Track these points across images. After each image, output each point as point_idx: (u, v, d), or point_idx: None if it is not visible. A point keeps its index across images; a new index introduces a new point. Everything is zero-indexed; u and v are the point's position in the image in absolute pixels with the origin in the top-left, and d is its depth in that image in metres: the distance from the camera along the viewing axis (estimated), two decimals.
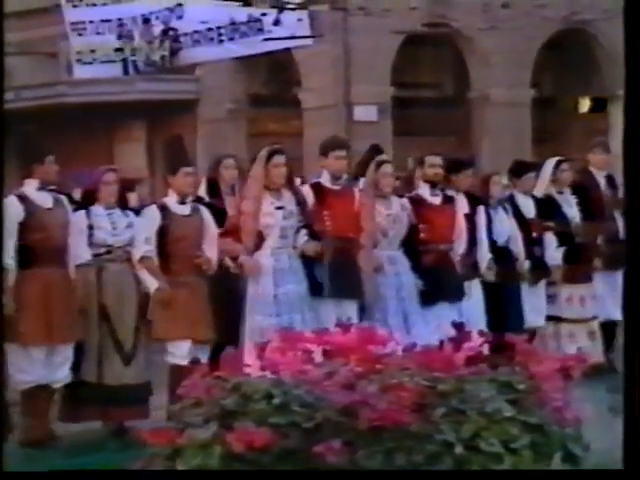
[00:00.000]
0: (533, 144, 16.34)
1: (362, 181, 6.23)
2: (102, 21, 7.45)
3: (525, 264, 6.85)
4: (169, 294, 5.65)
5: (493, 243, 6.72)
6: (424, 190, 6.44)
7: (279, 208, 5.70)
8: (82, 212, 5.69)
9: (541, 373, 2.85)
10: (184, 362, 5.69)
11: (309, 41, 8.02)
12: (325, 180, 6.06)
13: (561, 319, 7.08)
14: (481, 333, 3.31)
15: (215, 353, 5.82)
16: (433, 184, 6.43)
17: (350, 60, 16.05)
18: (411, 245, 6.31)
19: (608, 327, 7.20)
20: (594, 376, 7.00)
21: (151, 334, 5.71)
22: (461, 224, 6.50)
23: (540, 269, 6.95)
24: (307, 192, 5.93)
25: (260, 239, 5.69)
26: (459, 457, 2.64)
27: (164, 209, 5.82)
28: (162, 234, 5.73)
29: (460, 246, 6.49)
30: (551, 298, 7.06)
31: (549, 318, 7.05)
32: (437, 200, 6.44)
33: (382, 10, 14.90)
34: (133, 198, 8.32)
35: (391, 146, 13.19)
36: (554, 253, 7.02)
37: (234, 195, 6.23)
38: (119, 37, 7.57)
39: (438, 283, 6.24)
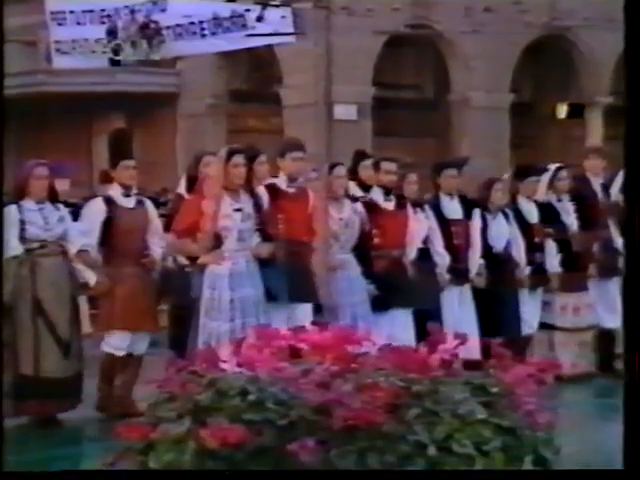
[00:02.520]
0: (511, 148, 16.44)
1: (317, 185, 6.17)
2: (83, 11, 7.41)
3: (526, 270, 6.81)
4: (108, 287, 5.72)
5: (489, 249, 6.65)
6: (377, 195, 6.40)
7: (237, 210, 5.58)
8: (13, 207, 5.67)
9: (514, 377, 2.87)
10: (120, 353, 5.82)
11: (292, 39, 8.01)
12: (281, 182, 5.99)
13: (554, 327, 7.09)
14: (456, 335, 3.32)
15: (178, 345, 5.83)
16: (387, 190, 6.39)
17: (332, 59, 15.97)
18: (363, 250, 6.24)
19: (603, 336, 7.22)
20: (584, 383, 7.07)
21: (89, 326, 5.77)
22: (413, 230, 6.46)
23: (540, 276, 6.93)
24: (262, 193, 5.84)
25: (217, 241, 5.55)
26: (432, 458, 2.66)
27: (109, 201, 5.87)
28: (107, 226, 5.80)
29: (412, 251, 6.46)
30: (546, 306, 7.07)
31: (543, 325, 7.05)
32: (390, 205, 6.40)
33: (365, 10, 14.93)
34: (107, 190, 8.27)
35: (370, 146, 13.22)
36: (554, 260, 7.03)
37: None
38: (100, 28, 7.53)
39: (391, 289, 6.19)
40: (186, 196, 6.25)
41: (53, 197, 5.83)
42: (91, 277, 5.75)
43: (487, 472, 2.64)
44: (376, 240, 6.29)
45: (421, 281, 6.44)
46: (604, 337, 7.22)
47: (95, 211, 5.85)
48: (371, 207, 6.34)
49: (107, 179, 9.13)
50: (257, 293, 5.54)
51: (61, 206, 5.87)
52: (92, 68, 8.81)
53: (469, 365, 3.09)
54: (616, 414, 6.60)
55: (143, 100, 16.75)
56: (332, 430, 2.74)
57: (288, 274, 5.67)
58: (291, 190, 5.98)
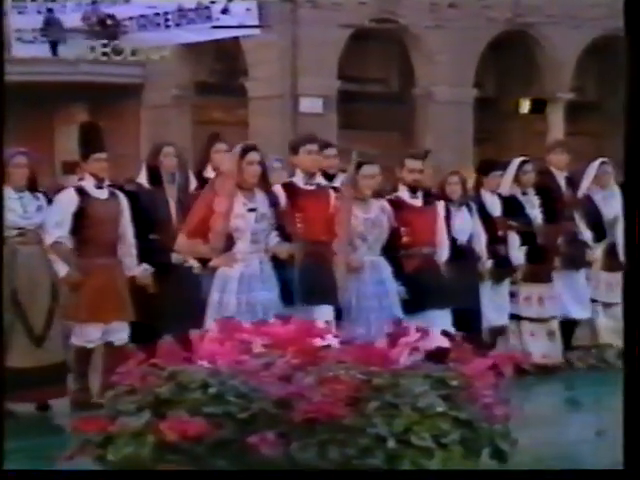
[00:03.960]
0: (475, 143, 16.55)
1: (339, 181, 5.93)
2: (45, 0, 7.34)
3: (487, 263, 6.82)
4: (78, 280, 5.69)
5: (453, 241, 6.55)
6: (403, 192, 6.15)
7: (251, 210, 5.24)
8: None
9: (473, 370, 2.90)
10: (90, 345, 5.77)
11: (257, 31, 8.00)
12: (298, 179, 5.67)
13: (521, 318, 7.17)
14: (418, 329, 3.34)
15: (140, 338, 5.77)
16: (412, 188, 6.12)
17: (297, 52, 16.04)
18: (392, 250, 5.91)
19: (567, 326, 7.30)
20: (552, 375, 7.15)
21: (65, 316, 5.74)
22: (443, 227, 6.23)
23: (504, 268, 6.96)
24: (279, 192, 5.52)
25: (230, 242, 5.20)
26: (391, 451, 2.67)
27: (82, 192, 5.84)
28: (79, 217, 5.76)
29: (444, 250, 6.24)
30: (511, 297, 7.12)
31: (511, 317, 7.08)
32: (417, 202, 6.14)
33: (331, 3, 14.92)
34: (74, 180, 8.23)
35: (336, 139, 13.23)
36: (517, 252, 7.09)
37: (173, 184, 6.18)
38: (62, 17, 7.47)
39: (424, 289, 5.88)
40: (147, 186, 6.21)
41: (32, 186, 5.78)
42: (62, 269, 5.71)
43: (488, 472, 2.66)
44: (405, 239, 6.00)
45: (456, 280, 6.21)
46: (565, 328, 7.32)
47: (66, 201, 5.79)
48: (397, 205, 6.04)
49: (70, 170, 9.06)
50: (271, 296, 5.22)
51: (40, 195, 5.83)
52: (54, 58, 8.72)
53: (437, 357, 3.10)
54: (574, 406, 6.68)
55: (107, 91, 16.59)
56: (293, 423, 2.74)
57: (307, 276, 5.37)
58: (310, 187, 5.67)
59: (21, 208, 5.66)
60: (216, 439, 2.69)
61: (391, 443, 2.66)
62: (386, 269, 5.86)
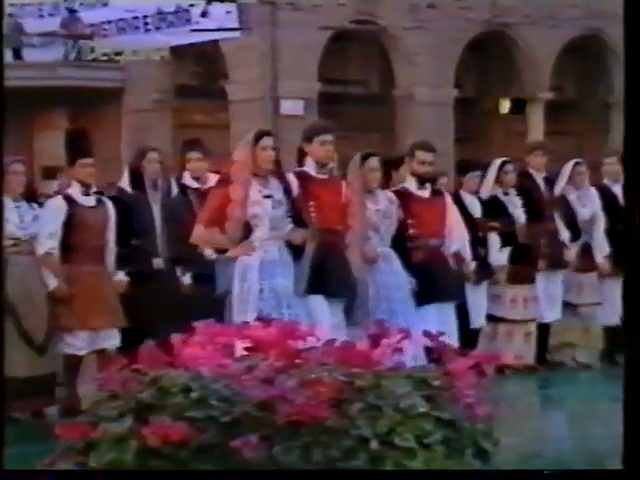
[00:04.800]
0: (455, 143, 16.61)
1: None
2: (23, 5, 7.32)
3: (471, 264, 6.83)
4: (66, 292, 5.69)
5: None
6: (411, 184, 6.10)
7: (267, 197, 5.20)
8: None
9: (455, 370, 2.91)
10: (81, 353, 5.77)
11: (237, 34, 8.01)
12: (310, 168, 5.56)
13: (502, 319, 7.18)
14: (400, 329, 3.35)
15: (131, 343, 5.77)
16: (421, 179, 6.07)
17: (278, 54, 16.05)
18: (400, 242, 5.90)
19: (542, 328, 7.32)
20: (527, 375, 7.20)
21: (55, 325, 5.71)
22: (452, 218, 6.20)
23: (484, 269, 6.99)
24: (292, 181, 5.44)
25: (247, 229, 5.17)
26: (374, 452, 2.68)
27: (69, 200, 5.81)
28: (67, 225, 5.74)
29: (452, 242, 6.21)
30: (495, 299, 7.13)
31: (490, 318, 7.11)
32: (425, 193, 6.09)
33: (310, 6, 14.94)
34: (54, 186, 8.20)
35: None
36: (497, 254, 7.10)
37: (157, 189, 6.17)
38: (40, 22, 7.45)
39: (431, 281, 5.85)
40: (129, 190, 6.20)
41: (29, 195, 5.76)
42: (52, 281, 5.69)
43: (488, 472, 2.66)
44: (412, 230, 5.96)
45: (459, 274, 6.23)
46: (541, 329, 7.36)
47: (56, 210, 5.76)
48: (405, 196, 6.02)
49: (50, 175, 9.02)
50: (290, 283, 5.18)
51: (36, 205, 5.81)
52: (33, 62, 8.69)
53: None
54: (554, 404, 6.73)
55: (87, 95, 16.53)
56: (276, 426, 2.74)
57: (321, 265, 5.29)
58: (322, 176, 5.56)
59: (18, 218, 5.62)
60: (199, 443, 2.68)
61: (374, 444, 2.67)
62: (396, 260, 5.86)
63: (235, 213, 5.11)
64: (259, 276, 5.12)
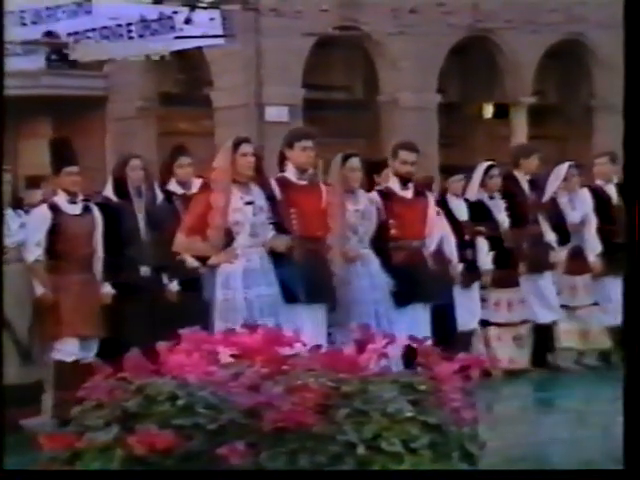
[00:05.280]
0: (440, 148, 16.65)
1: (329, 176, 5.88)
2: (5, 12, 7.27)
3: (458, 267, 6.86)
4: (52, 300, 5.69)
5: None
6: (394, 184, 6.09)
7: (248, 203, 5.18)
8: None
9: (441, 374, 2.91)
10: (70, 359, 5.75)
11: (221, 41, 7.99)
12: (291, 174, 5.58)
13: (490, 323, 7.21)
14: (385, 334, 3.35)
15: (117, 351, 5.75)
16: (404, 180, 6.07)
17: (262, 61, 16.06)
18: (380, 242, 5.86)
19: (538, 330, 7.34)
20: (521, 378, 7.21)
21: (43, 333, 5.70)
22: (433, 219, 6.19)
23: (472, 272, 7.01)
24: (273, 185, 5.45)
25: (228, 237, 5.16)
26: (361, 457, 2.68)
27: (54, 208, 5.81)
28: (53, 233, 5.75)
29: (432, 242, 6.20)
30: (481, 302, 7.15)
31: (480, 322, 7.16)
32: (408, 194, 6.08)
33: (294, 12, 14.95)
34: (38, 195, 8.18)
35: None
36: (485, 257, 7.13)
37: (141, 197, 6.15)
38: (23, 30, 7.41)
39: (410, 282, 5.83)
40: (113, 199, 6.18)
41: (15, 203, 5.79)
42: (38, 289, 5.70)
43: (487, 472, 2.66)
44: (394, 231, 5.93)
45: (438, 275, 6.21)
46: (539, 332, 7.37)
47: (41, 218, 5.76)
48: (387, 196, 6.00)
49: (34, 184, 8.98)
50: (273, 291, 5.17)
51: (22, 212, 5.84)
52: (15, 70, 8.66)
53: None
54: (549, 407, 6.74)
55: (70, 103, 16.49)
56: (262, 432, 2.74)
57: (304, 272, 5.28)
58: (302, 182, 5.58)
59: (4, 226, 5.61)
60: (185, 451, 2.68)
61: (361, 449, 2.67)
62: (374, 262, 5.84)
63: (216, 220, 5.11)
64: (243, 284, 5.11)
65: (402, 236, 5.99)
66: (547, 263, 7.41)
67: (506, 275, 7.21)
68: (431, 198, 6.33)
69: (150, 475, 2.66)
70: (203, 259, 5.51)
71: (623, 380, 2.88)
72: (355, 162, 5.85)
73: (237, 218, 5.17)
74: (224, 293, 5.14)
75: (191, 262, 5.86)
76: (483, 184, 7.25)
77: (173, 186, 6.34)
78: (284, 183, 5.55)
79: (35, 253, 5.69)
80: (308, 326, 5.12)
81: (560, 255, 7.46)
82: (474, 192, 7.21)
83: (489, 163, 7.42)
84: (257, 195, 5.25)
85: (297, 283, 5.27)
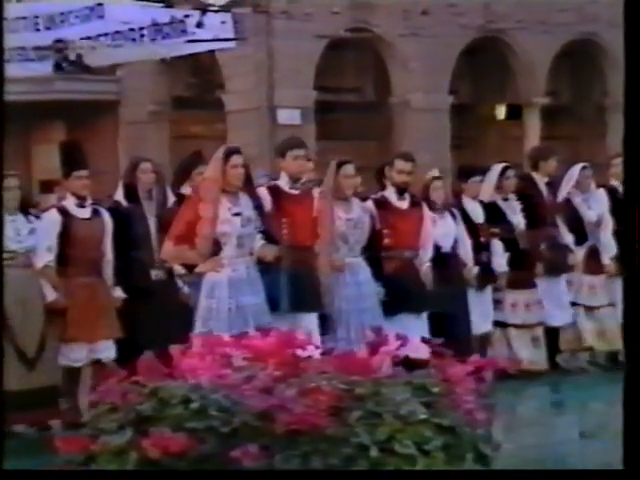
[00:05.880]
0: (452, 149, 16.62)
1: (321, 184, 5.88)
2: (17, 18, 7.31)
3: (473, 270, 6.83)
4: (63, 305, 5.71)
5: (437, 248, 6.52)
6: (390, 193, 6.10)
7: (237, 214, 5.19)
8: None
9: (454, 376, 2.91)
10: (78, 364, 5.78)
11: (232, 44, 8.00)
12: (283, 183, 5.63)
13: (507, 324, 7.18)
14: (398, 336, 3.35)
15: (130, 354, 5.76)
16: (400, 189, 6.09)
17: (273, 63, 16.07)
18: (373, 251, 5.86)
19: (551, 331, 7.32)
20: (538, 379, 7.21)
21: (56, 338, 5.72)
22: (428, 230, 6.18)
23: (487, 275, 6.99)
24: (264, 195, 5.49)
25: (216, 247, 5.17)
26: (374, 459, 2.68)
27: (64, 212, 5.83)
28: (62, 237, 5.77)
29: (426, 254, 6.19)
30: (497, 304, 7.12)
31: (496, 324, 7.10)
32: (404, 204, 6.10)
33: (305, 14, 14.97)
34: (52, 199, 8.21)
35: (314, 150, 13.25)
36: (501, 259, 7.09)
37: (152, 200, 6.17)
38: (36, 35, 7.45)
39: (401, 293, 5.86)
40: (124, 203, 6.20)
41: (25, 208, 5.78)
42: (50, 294, 5.71)
43: (492, 472, 2.66)
44: (387, 240, 5.95)
45: (441, 286, 6.18)
46: (550, 334, 7.35)
47: (51, 223, 5.78)
48: (383, 205, 6.01)
49: (48, 189, 9.02)
50: (258, 301, 5.19)
51: (33, 218, 5.84)
52: (29, 76, 8.70)
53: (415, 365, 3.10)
54: (561, 409, 6.70)
55: (83, 108, 16.56)
56: (275, 435, 2.74)
57: (293, 282, 5.31)
58: (294, 192, 5.61)
59: (13, 231, 5.63)
60: (199, 454, 2.68)
61: (374, 452, 2.67)
62: (364, 271, 5.84)
63: (204, 230, 5.12)
64: (228, 294, 5.12)
65: (395, 246, 6.01)
66: (565, 265, 7.39)
67: (522, 276, 7.18)
68: (427, 210, 6.32)
69: (164, 477, 2.67)
70: (190, 267, 5.54)
71: (623, 380, 2.87)
72: (349, 169, 5.85)
73: (225, 229, 5.18)
74: (208, 301, 5.16)
75: (178, 270, 5.89)
76: (498, 186, 7.23)
77: (187, 190, 6.35)
78: (276, 192, 5.58)
79: (46, 258, 5.70)
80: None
81: (578, 257, 7.44)
82: (489, 193, 7.20)
83: (504, 164, 7.39)
84: (245, 206, 5.26)
85: (284, 292, 5.30)
